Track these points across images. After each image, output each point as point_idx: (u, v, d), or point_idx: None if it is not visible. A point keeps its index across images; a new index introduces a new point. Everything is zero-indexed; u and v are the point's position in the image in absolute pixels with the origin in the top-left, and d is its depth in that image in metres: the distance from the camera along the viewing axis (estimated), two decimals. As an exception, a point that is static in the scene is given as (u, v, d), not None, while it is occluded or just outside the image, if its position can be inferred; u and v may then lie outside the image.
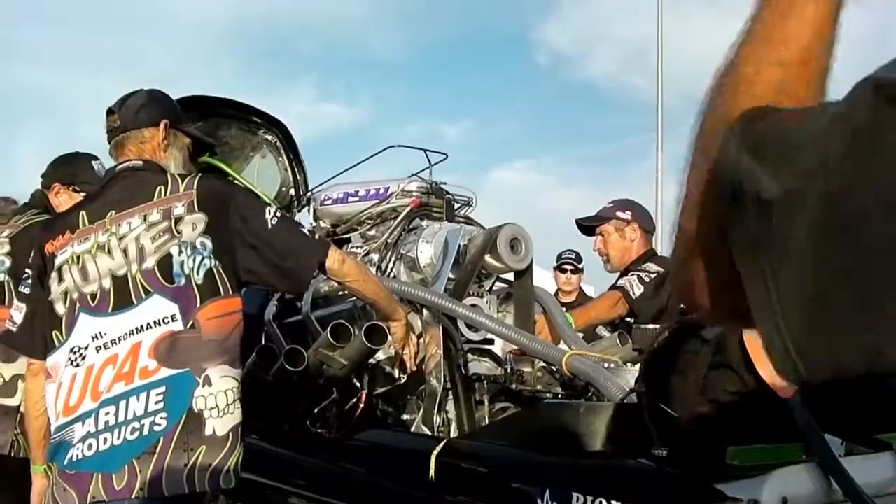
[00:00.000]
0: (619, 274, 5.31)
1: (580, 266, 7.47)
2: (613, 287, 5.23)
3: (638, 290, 4.99)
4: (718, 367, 2.61)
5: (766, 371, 2.51)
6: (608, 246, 5.34)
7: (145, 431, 2.87)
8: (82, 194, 4.30)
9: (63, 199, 4.39)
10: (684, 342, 2.71)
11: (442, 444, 3.02)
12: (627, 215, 5.32)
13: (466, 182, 4.43)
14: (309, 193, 4.94)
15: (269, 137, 5.28)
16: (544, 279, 6.72)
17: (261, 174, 5.22)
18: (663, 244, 5.82)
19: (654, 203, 14.94)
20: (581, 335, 4.10)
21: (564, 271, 7.47)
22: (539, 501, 2.67)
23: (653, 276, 5.06)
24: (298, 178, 5.28)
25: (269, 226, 3.09)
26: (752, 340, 2.55)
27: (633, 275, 5.11)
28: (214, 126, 5.01)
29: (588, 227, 5.49)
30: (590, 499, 2.56)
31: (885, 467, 2.76)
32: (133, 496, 2.83)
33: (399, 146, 4.39)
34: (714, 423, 2.61)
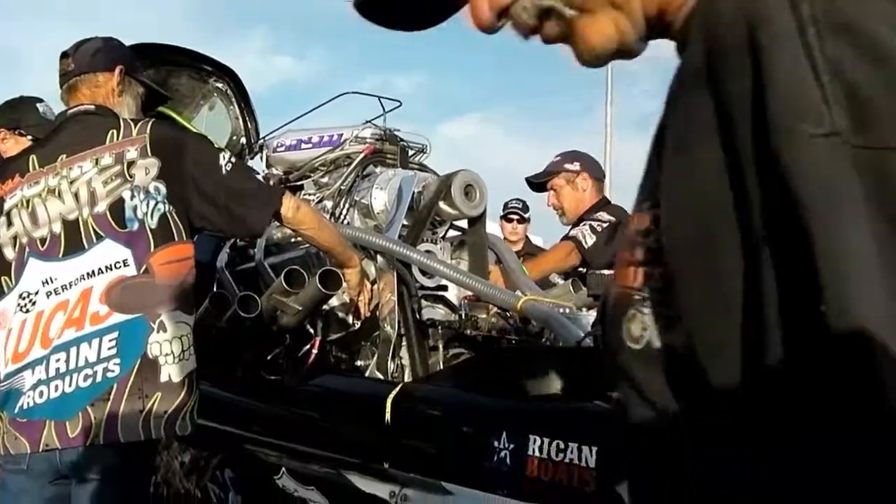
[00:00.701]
0: (572, 224, 5.32)
1: (526, 216, 7.37)
2: (566, 237, 5.25)
3: (590, 240, 5.01)
4: (675, 310, 2.62)
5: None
6: (561, 199, 5.34)
7: (98, 378, 2.84)
8: (28, 138, 4.23)
9: (9, 145, 4.31)
10: (641, 285, 2.72)
11: (398, 389, 3.02)
12: (576, 166, 5.32)
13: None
14: (261, 141, 4.89)
15: (220, 86, 5.21)
16: (491, 230, 6.72)
17: (211, 123, 5.16)
18: (613, 194, 5.83)
19: (603, 154, 14.95)
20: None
21: (510, 220, 7.32)
22: (496, 444, 2.68)
23: (605, 225, 5.07)
24: (250, 126, 5.22)
25: (224, 172, 3.05)
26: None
27: (585, 225, 5.12)
28: (166, 74, 4.94)
29: (538, 183, 5.49)
30: (546, 441, 2.57)
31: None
32: (88, 443, 2.81)
33: (353, 93, 4.36)
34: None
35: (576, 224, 5.24)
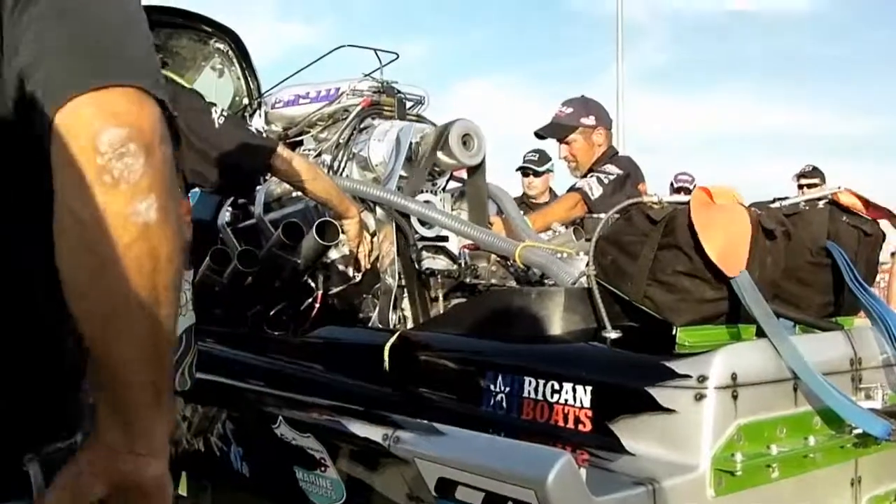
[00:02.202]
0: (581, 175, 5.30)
1: (541, 169, 6.91)
2: (572, 189, 5.22)
3: (597, 192, 4.99)
4: (668, 247, 2.61)
5: (715, 249, 2.51)
6: (576, 153, 5.29)
7: None
8: None
9: None
10: (633, 224, 2.70)
11: (395, 336, 3.02)
12: (592, 120, 5.27)
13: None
14: (260, 98, 4.87)
15: (221, 46, 5.19)
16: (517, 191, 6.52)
17: (214, 84, 5.14)
18: (623, 147, 5.75)
19: (616, 112, 14.71)
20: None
21: (526, 174, 6.95)
22: (492, 387, 2.67)
23: (612, 177, 5.05)
24: (252, 86, 5.21)
25: (216, 126, 3.04)
26: (701, 219, 2.54)
27: (592, 176, 5.10)
28: (165, 37, 4.92)
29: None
30: (541, 382, 2.56)
31: (836, 346, 2.77)
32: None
33: (349, 46, 4.32)
34: (664, 303, 2.61)
35: (584, 175, 5.22)
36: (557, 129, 5.34)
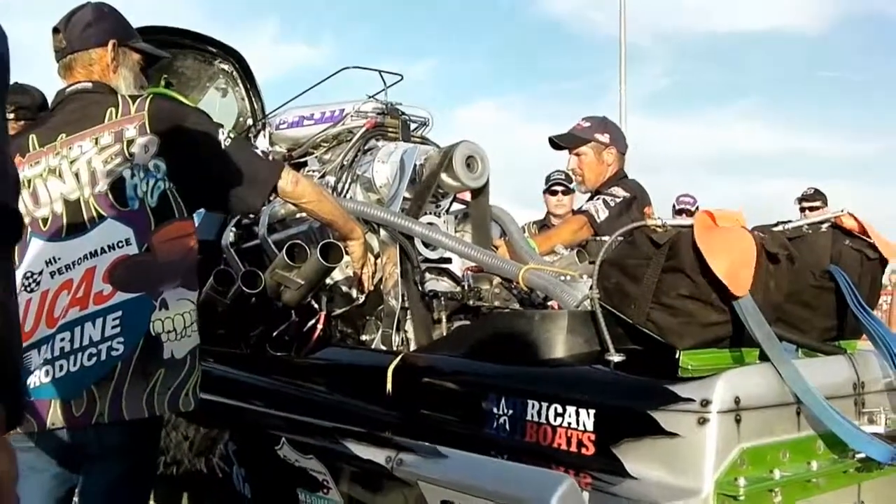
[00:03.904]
0: (588, 196, 5.30)
1: (571, 186, 6.65)
2: (579, 211, 5.23)
3: (603, 215, 4.98)
4: (671, 270, 2.61)
5: (721, 268, 2.51)
6: (584, 167, 5.29)
7: (103, 357, 2.84)
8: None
9: None
10: (637, 247, 2.70)
11: (398, 359, 3.02)
12: (606, 138, 5.27)
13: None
14: (264, 119, 4.88)
15: (226, 67, 5.22)
16: (521, 214, 6.48)
17: (218, 104, 5.17)
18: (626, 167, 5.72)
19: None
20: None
21: (554, 193, 6.99)
22: (495, 410, 2.67)
23: (619, 200, 5.05)
24: (256, 107, 5.23)
25: (222, 147, 3.04)
26: (706, 242, 2.54)
27: (599, 199, 5.09)
28: (170, 57, 4.94)
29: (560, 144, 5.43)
30: (544, 405, 2.56)
31: (839, 370, 2.77)
32: (93, 422, 2.82)
33: (353, 67, 4.33)
34: (667, 326, 2.61)
35: (592, 196, 5.22)
36: (571, 139, 5.33)
